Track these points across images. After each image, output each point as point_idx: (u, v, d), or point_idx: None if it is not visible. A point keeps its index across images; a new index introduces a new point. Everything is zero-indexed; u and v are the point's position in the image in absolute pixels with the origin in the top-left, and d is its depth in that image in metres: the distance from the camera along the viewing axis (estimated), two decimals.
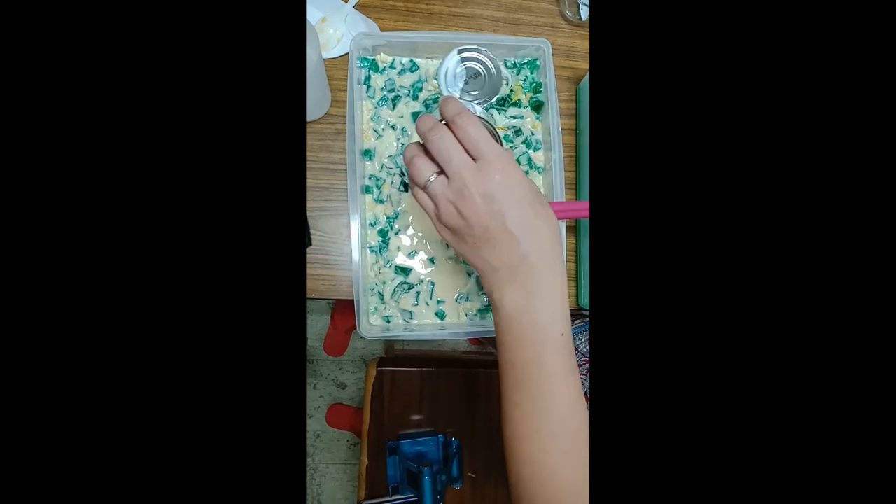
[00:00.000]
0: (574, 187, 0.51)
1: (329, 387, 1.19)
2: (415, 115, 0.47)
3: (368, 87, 0.47)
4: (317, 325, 1.19)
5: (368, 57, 0.47)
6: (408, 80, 0.48)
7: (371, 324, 0.46)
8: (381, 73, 0.48)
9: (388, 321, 0.47)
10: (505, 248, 0.30)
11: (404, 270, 0.46)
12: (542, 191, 0.47)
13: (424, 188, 0.32)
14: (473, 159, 0.30)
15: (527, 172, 0.47)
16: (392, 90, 0.48)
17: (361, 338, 1.20)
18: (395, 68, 0.48)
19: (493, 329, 0.49)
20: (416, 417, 0.71)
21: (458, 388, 0.71)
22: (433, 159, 0.32)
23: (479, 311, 0.47)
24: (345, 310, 1.11)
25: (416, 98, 0.48)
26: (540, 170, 0.48)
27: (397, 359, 0.74)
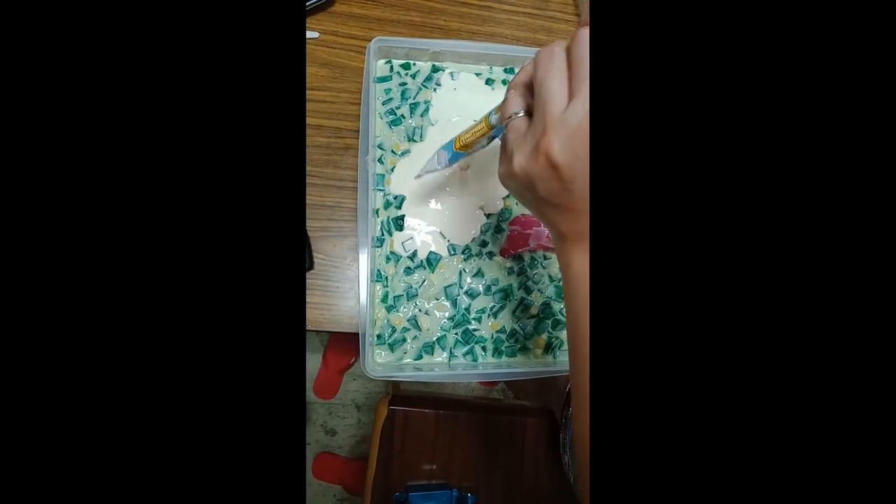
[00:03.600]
0: None
1: (317, 433, 1.09)
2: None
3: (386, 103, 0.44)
4: (306, 365, 1.11)
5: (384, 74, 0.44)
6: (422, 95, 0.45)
7: (377, 362, 0.40)
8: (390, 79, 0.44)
9: (398, 357, 0.41)
10: (574, 217, 0.25)
11: None
12: None
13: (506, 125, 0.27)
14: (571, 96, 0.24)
15: None
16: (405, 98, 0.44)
17: (356, 379, 1.12)
18: (414, 78, 0.45)
19: (504, 371, 0.43)
20: (427, 467, 0.62)
21: (478, 436, 0.63)
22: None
23: (494, 353, 0.41)
24: (339, 347, 1.04)
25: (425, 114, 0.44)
26: None
27: (412, 398, 0.66)
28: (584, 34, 0.23)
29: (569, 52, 0.24)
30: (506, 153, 0.27)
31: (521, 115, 0.26)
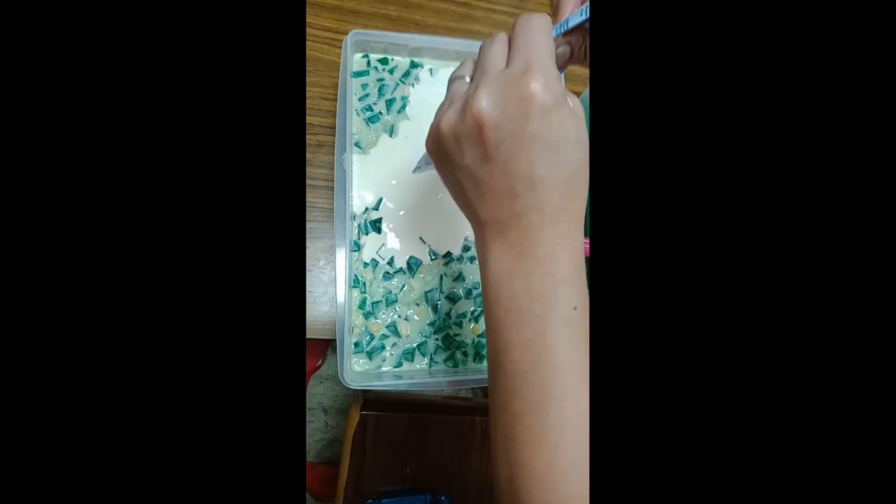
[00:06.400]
0: None
1: None
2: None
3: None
4: None
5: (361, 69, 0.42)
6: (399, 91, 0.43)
7: (355, 371, 0.38)
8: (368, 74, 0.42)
9: (376, 365, 0.39)
10: (495, 200, 0.23)
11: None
12: None
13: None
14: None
15: None
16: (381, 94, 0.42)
17: (322, 382, 1.09)
18: (391, 73, 0.43)
19: (485, 377, 0.42)
20: (400, 472, 0.61)
21: (450, 439, 0.62)
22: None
23: (474, 358, 0.41)
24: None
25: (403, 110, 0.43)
26: None
27: (383, 401, 0.64)
28: (522, 19, 0.24)
29: (511, 33, 0.24)
30: (438, 114, 0.25)
31: (466, 79, 0.25)
